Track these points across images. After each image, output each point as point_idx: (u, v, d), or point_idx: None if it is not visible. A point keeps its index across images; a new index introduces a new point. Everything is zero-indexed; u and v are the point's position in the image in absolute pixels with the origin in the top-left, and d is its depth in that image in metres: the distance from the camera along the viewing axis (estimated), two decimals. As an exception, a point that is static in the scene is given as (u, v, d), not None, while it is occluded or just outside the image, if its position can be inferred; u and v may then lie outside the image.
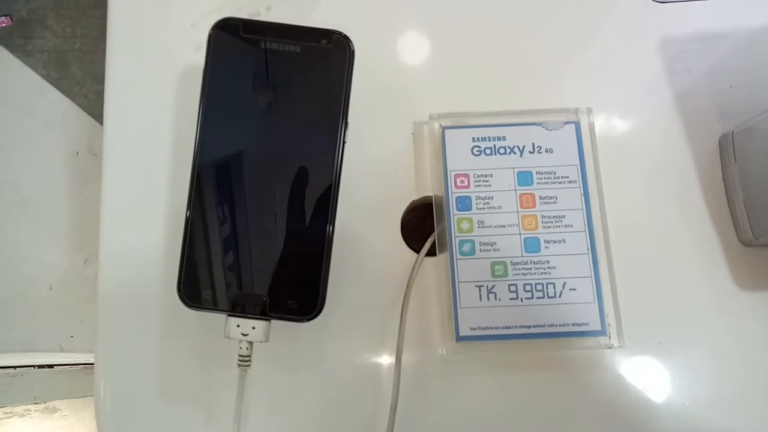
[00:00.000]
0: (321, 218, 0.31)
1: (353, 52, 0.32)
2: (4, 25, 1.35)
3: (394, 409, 0.33)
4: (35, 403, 0.90)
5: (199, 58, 0.32)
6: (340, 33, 0.32)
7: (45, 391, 0.85)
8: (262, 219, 0.31)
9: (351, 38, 0.32)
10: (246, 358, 0.32)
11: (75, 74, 1.37)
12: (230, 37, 0.32)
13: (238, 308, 0.31)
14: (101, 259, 0.36)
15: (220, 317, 0.31)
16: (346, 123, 0.32)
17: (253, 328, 0.31)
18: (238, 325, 0.31)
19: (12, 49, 1.35)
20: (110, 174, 0.38)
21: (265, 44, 0.32)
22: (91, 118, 0.91)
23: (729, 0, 0.41)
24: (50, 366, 0.81)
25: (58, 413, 0.93)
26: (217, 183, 0.31)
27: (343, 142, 0.32)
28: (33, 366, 0.80)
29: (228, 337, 0.31)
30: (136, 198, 0.37)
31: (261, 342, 0.31)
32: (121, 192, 0.38)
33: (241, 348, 0.32)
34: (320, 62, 0.32)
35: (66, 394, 0.88)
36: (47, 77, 1.36)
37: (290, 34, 0.32)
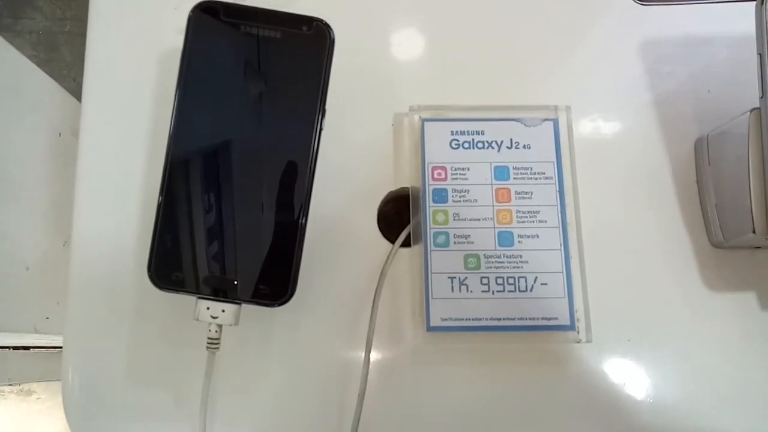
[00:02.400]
0: (295, 205, 0.31)
1: (333, 40, 0.32)
2: (-7, 4, 1.33)
3: (362, 396, 0.33)
4: (10, 385, 0.89)
5: (181, 42, 0.32)
6: (320, 20, 0.32)
7: (20, 373, 0.84)
8: (235, 204, 0.31)
9: (332, 26, 0.32)
10: (215, 341, 0.32)
11: (64, 57, 1.36)
12: (210, 20, 0.32)
13: (209, 291, 0.31)
14: (74, 240, 0.36)
15: (191, 302, 0.31)
16: (324, 111, 0.32)
17: (223, 311, 0.31)
18: (208, 308, 0.31)
19: (1, 28, 1.34)
20: (86, 156, 0.38)
21: (244, 29, 0.32)
22: (76, 101, 0.91)
23: (714, 6, 0.41)
24: (26, 348, 0.80)
25: (34, 396, 0.93)
26: (190, 167, 0.31)
27: (320, 130, 0.32)
28: (8, 347, 0.80)
29: (197, 320, 0.31)
30: (112, 181, 0.37)
31: (230, 325, 0.31)
32: (96, 174, 0.37)
33: (210, 331, 0.32)
34: (300, 49, 0.32)
35: (41, 376, 0.87)
36: (36, 58, 1.34)
37: (271, 20, 0.32)
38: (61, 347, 0.36)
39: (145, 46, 0.39)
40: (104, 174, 0.37)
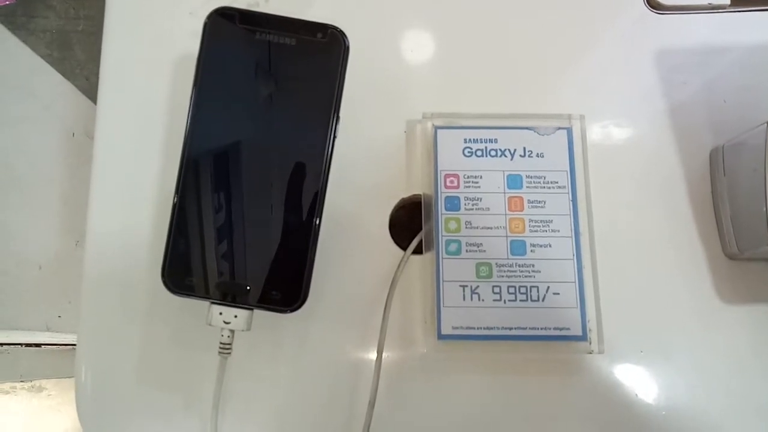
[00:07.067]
0: (308, 211, 0.31)
1: (348, 47, 0.32)
2: (7, 2, 1.34)
3: (372, 404, 0.33)
4: (21, 381, 0.90)
5: (195, 46, 0.32)
6: (335, 27, 0.32)
7: (31, 370, 0.85)
8: (248, 209, 0.31)
9: (347, 34, 0.32)
10: (227, 346, 0.32)
11: (77, 55, 1.36)
12: (226, 26, 0.32)
13: (221, 296, 0.31)
14: (88, 241, 0.37)
15: (203, 304, 0.32)
16: (338, 117, 0.32)
17: (236, 316, 0.31)
18: (221, 313, 0.31)
19: (15, 27, 1.35)
20: (101, 157, 0.38)
21: (260, 35, 0.32)
22: (89, 101, 0.91)
23: (730, 15, 0.41)
24: (37, 345, 0.81)
25: (45, 392, 0.93)
26: (205, 171, 0.32)
27: (334, 137, 0.32)
28: (20, 344, 0.81)
29: (210, 325, 0.31)
30: (126, 182, 0.38)
31: (243, 331, 0.31)
32: (111, 176, 0.38)
33: (222, 336, 0.32)
34: (314, 56, 0.32)
35: (52, 373, 0.88)
36: (49, 57, 1.35)
37: (286, 27, 0.32)
38: (72, 345, 0.36)
39: (160, 50, 0.39)
40: (119, 175, 0.38)
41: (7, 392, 0.92)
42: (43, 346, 0.82)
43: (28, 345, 0.82)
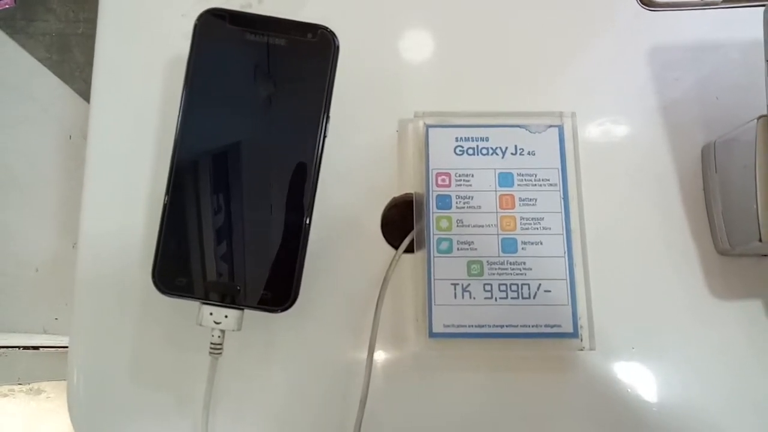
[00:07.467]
0: (298, 210, 0.32)
1: (338, 47, 0.32)
2: (7, 6, 1.35)
3: (363, 402, 0.33)
4: (19, 384, 0.90)
5: (188, 48, 0.32)
6: (325, 28, 0.32)
7: (29, 372, 0.85)
8: (239, 209, 0.32)
9: (338, 33, 0.32)
10: (218, 347, 0.32)
11: (76, 58, 1.37)
12: (216, 27, 0.32)
13: (212, 296, 0.31)
14: (81, 242, 0.37)
15: (194, 305, 0.32)
16: (328, 117, 0.32)
17: (226, 316, 0.31)
18: (211, 313, 0.31)
19: (15, 30, 1.35)
20: (94, 158, 0.38)
21: (250, 36, 0.32)
22: (86, 103, 0.92)
23: (722, 12, 0.41)
24: (35, 347, 0.81)
25: (43, 395, 0.94)
26: (195, 171, 0.32)
27: (324, 136, 0.32)
28: (17, 347, 0.81)
29: (200, 325, 0.31)
30: (119, 184, 0.38)
31: (233, 331, 0.32)
32: (104, 177, 0.38)
33: (213, 336, 0.32)
34: (305, 56, 0.32)
35: (50, 376, 0.88)
36: (49, 60, 1.36)
37: (276, 27, 0.32)
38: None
39: (153, 51, 0.39)
40: (112, 176, 0.38)
41: (6, 395, 0.92)
42: (40, 349, 0.83)
43: (25, 348, 0.82)
